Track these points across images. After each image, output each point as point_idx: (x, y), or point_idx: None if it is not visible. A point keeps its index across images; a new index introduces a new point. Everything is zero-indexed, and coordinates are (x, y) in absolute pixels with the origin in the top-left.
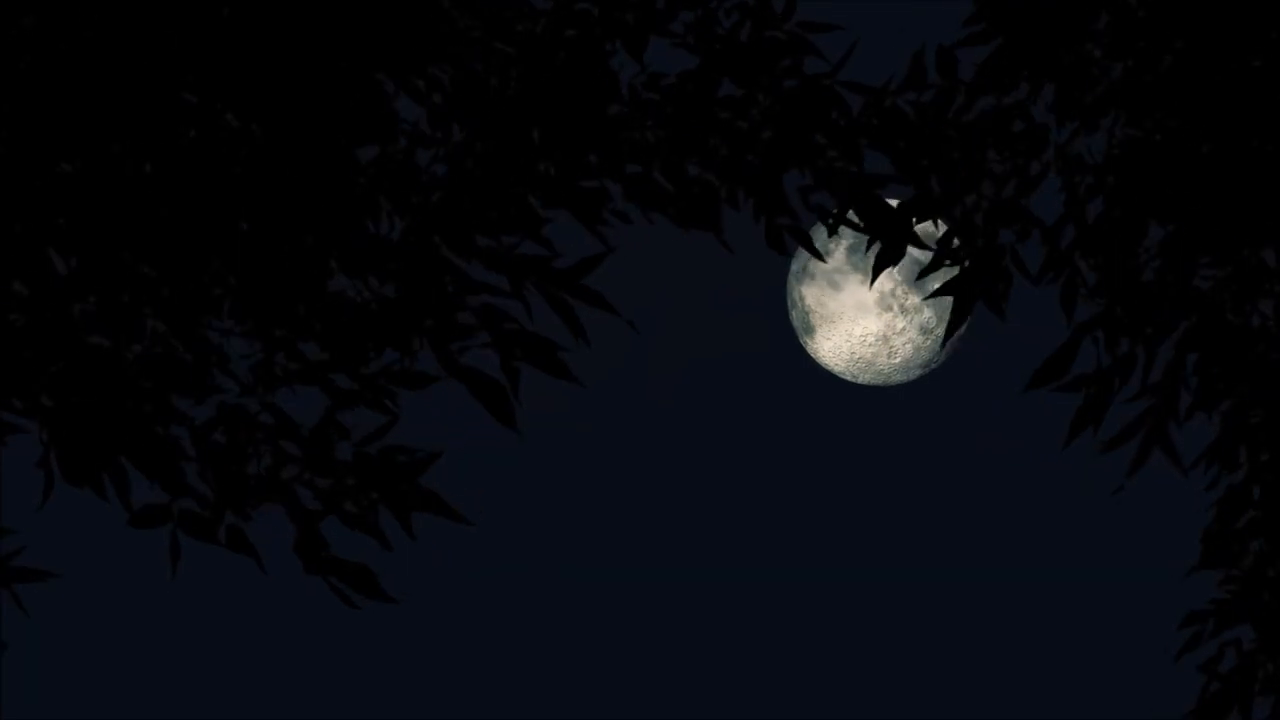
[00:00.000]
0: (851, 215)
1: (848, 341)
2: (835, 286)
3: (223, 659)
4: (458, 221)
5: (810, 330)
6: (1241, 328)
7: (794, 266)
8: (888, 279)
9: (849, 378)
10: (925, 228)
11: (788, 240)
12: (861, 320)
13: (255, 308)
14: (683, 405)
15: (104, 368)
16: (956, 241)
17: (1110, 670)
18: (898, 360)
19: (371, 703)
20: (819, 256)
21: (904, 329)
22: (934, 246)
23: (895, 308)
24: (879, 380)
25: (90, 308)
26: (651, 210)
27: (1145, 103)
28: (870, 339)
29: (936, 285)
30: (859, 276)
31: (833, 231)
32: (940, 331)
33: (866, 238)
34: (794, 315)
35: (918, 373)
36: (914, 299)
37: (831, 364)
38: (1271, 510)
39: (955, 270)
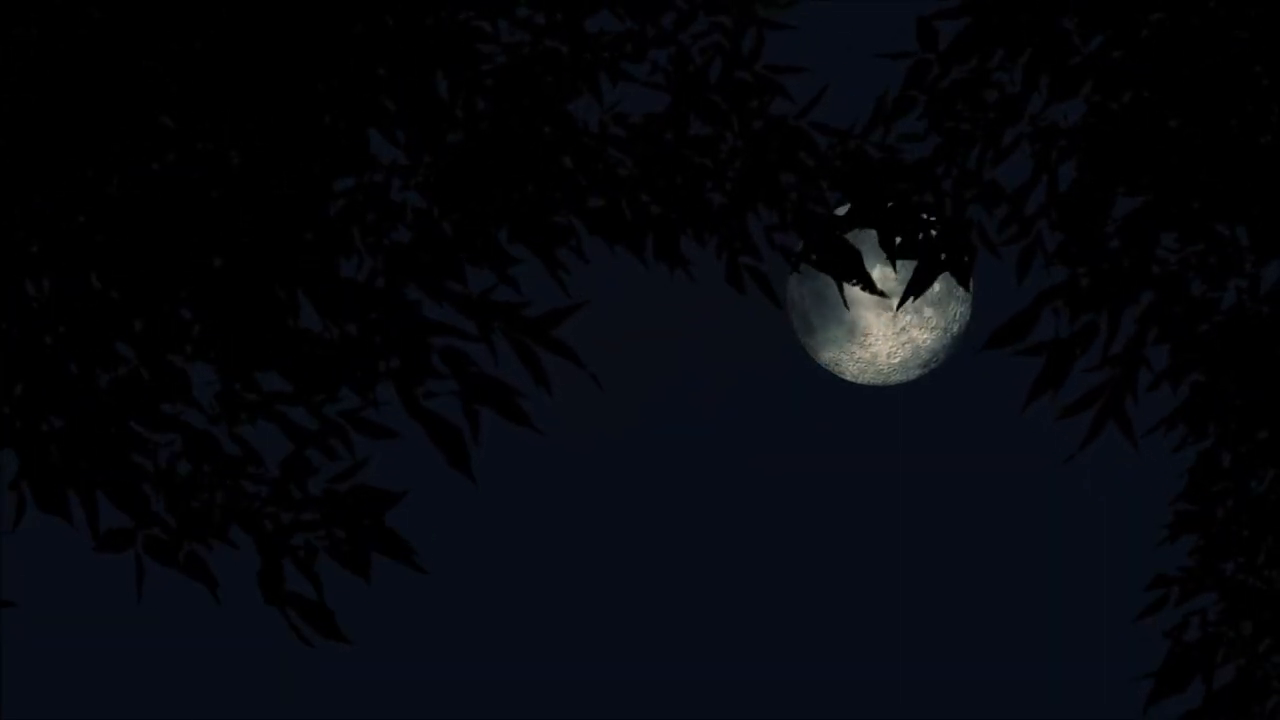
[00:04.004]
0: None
1: (848, 341)
2: (834, 286)
3: (220, 661)
4: (428, 263)
5: (810, 330)
6: (1204, 303)
7: None
8: (888, 279)
9: (849, 378)
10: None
11: (746, 280)
12: (862, 320)
13: (220, 337)
14: (681, 405)
15: (75, 393)
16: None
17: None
18: (897, 360)
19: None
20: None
21: (904, 328)
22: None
23: (894, 307)
24: (879, 380)
25: (61, 332)
26: (617, 244)
27: (1119, 75)
28: (870, 339)
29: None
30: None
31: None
32: (942, 330)
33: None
34: (793, 315)
35: (917, 373)
36: (914, 299)
37: (831, 364)
38: (1240, 478)
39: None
